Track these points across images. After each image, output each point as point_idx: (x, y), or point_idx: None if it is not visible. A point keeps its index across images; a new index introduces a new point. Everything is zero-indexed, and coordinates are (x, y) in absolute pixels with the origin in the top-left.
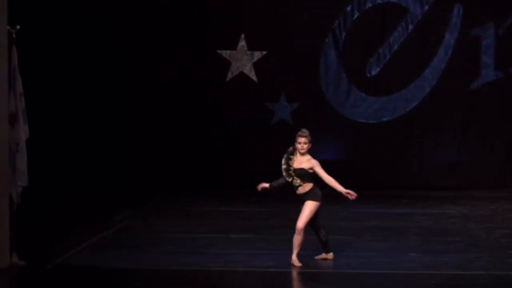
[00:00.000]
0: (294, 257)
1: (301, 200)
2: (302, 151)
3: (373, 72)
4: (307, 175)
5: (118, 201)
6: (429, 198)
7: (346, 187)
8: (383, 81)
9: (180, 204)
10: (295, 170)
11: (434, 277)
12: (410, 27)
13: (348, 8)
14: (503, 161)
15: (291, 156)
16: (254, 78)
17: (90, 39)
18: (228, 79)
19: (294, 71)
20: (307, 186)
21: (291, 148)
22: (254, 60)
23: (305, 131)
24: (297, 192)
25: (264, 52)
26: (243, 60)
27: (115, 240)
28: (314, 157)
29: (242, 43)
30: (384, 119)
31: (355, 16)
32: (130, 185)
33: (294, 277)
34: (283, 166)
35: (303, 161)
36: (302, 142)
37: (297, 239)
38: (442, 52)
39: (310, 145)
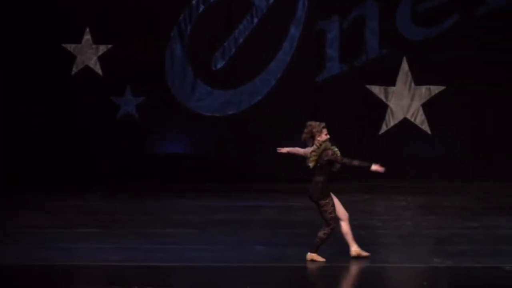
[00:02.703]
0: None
1: None
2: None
3: (219, 66)
4: None
5: None
6: (276, 191)
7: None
8: (229, 74)
9: (29, 199)
10: None
11: (281, 269)
12: (255, 20)
13: (194, 1)
14: (349, 153)
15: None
16: (99, 72)
17: None
18: (73, 73)
19: (139, 65)
20: None
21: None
22: (99, 54)
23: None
24: None
25: (109, 46)
26: (88, 54)
27: None
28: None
29: (87, 37)
30: (230, 112)
31: (201, 9)
32: None
33: (140, 270)
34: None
35: None
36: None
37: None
38: (287, 46)
39: None
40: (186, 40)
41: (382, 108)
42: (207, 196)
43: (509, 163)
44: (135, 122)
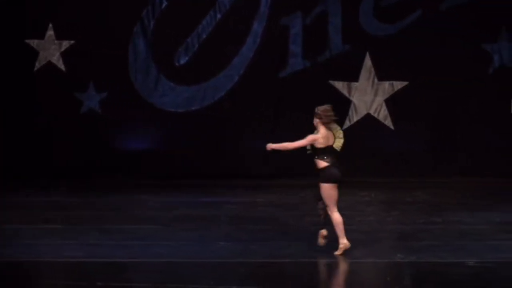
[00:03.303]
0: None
1: None
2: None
3: (182, 61)
4: (315, 150)
5: None
6: (240, 187)
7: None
8: (192, 70)
9: None
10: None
11: (244, 265)
12: (219, 16)
13: None
14: None
15: None
16: (62, 67)
17: None
18: (36, 68)
19: (102, 60)
20: (317, 163)
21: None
22: (62, 50)
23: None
24: None
25: (72, 42)
26: (51, 50)
27: None
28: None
29: (50, 32)
30: (193, 108)
31: (164, 5)
32: None
33: (103, 267)
34: None
35: None
36: None
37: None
38: (250, 41)
39: (317, 120)
40: (149, 36)
41: (345, 103)
42: (170, 192)
43: (472, 158)
44: (99, 118)
